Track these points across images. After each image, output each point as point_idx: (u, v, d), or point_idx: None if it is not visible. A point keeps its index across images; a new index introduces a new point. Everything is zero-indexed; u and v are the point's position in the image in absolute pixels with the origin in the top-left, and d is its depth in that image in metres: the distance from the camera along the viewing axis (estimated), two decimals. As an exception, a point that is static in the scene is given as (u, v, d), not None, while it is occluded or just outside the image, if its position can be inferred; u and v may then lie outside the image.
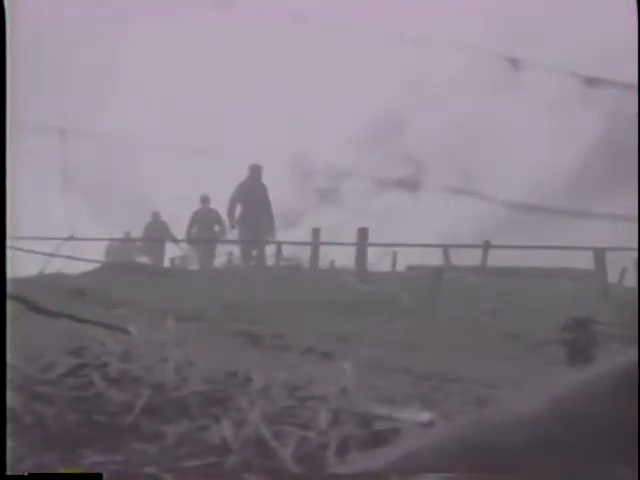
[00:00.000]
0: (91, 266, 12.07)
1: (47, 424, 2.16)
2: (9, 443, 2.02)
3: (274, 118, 24.56)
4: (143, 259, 18.91)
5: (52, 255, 10.75)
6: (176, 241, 19.04)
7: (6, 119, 2.42)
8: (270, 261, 16.65)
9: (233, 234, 17.13)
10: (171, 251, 19.61)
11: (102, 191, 26.30)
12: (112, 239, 20.28)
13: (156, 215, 19.56)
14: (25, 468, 1.96)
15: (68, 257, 11.38)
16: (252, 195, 16.19)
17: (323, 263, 15.85)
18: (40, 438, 2.11)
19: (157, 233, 19.09)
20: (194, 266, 18.51)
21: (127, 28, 26.95)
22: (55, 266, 10.10)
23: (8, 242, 2.45)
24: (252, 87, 25.18)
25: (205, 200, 18.10)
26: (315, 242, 14.87)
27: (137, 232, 20.50)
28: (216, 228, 18.01)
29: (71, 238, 13.77)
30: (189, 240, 18.46)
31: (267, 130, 23.99)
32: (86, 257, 12.33)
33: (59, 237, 12.82)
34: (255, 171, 16.39)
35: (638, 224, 3.58)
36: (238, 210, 16.43)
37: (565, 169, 25.06)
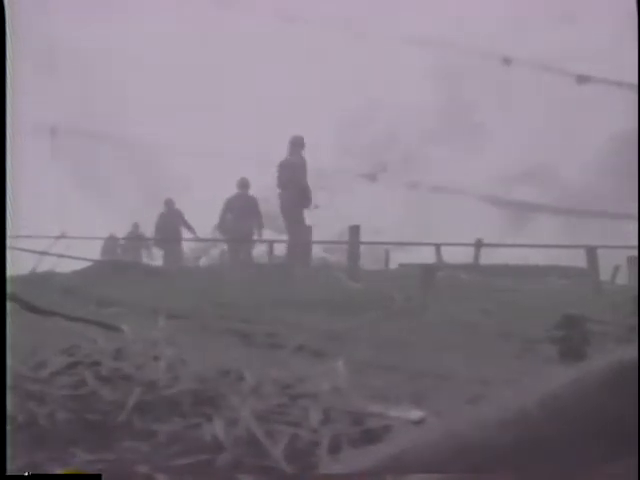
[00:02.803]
0: (84, 264, 12.02)
1: (39, 422, 2.15)
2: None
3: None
4: (156, 253, 18.26)
5: (44, 253, 10.73)
6: (180, 239, 17.77)
7: (6, 119, 2.42)
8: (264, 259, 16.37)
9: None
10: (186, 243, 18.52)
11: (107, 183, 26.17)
12: (117, 237, 19.68)
13: (169, 202, 17.73)
14: (17, 467, 1.95)
15: (60, 255, 11.36)
16: (288, 168, 13.65)
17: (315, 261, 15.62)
18: (32, 437, 2.10)
19: (172, 222, 17.35)
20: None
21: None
22: (48, 264, 10.08)
23: (8, 242, 2.45)
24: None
25: (243, 185, 15.53)
26: (307, 240, 14.83)
27: (146, 225, 19.04)
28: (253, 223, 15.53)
29: (63, 236, 13.75)
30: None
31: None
32: (84, 255, 12.28)
33: (52, 235, 12.82)
34: (294, 143, 13.82)
35: (638, 224, 3.58)
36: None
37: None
